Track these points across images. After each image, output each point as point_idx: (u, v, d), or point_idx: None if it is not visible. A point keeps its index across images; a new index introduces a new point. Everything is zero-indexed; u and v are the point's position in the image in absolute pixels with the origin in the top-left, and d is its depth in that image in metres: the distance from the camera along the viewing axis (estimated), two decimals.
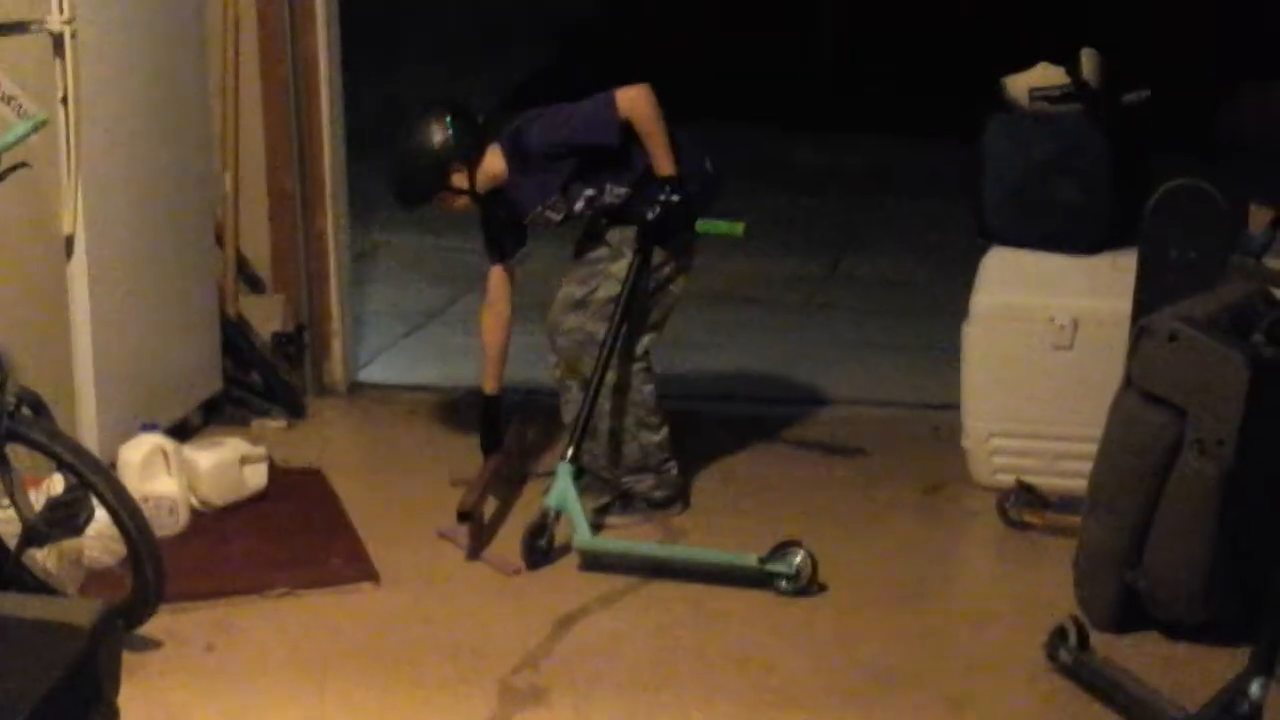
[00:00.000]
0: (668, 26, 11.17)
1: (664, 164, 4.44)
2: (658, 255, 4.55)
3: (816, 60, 11.43)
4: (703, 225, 4.49)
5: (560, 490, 4.37)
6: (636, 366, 4.62)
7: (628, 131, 4.44)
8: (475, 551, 4.41)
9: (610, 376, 4.54)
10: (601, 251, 4.59)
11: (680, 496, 4.74)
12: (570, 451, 4.41)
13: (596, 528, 4.47)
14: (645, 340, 4.63)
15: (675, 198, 4.43)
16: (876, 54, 11.12)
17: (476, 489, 4.54)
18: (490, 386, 4.77)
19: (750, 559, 4.19)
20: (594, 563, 4.32)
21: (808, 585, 4.16)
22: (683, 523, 4.68)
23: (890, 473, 5.06)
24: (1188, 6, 9.93)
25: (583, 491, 4.44)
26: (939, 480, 4.96)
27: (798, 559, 4.16)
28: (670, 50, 8.95)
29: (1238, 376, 3.69)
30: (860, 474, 5.07)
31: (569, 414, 4.61)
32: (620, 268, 4.53)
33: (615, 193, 4.52)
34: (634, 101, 4.41)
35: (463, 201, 4.60)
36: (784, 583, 4.17)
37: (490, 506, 4.63)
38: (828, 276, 7.63)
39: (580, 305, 4.58)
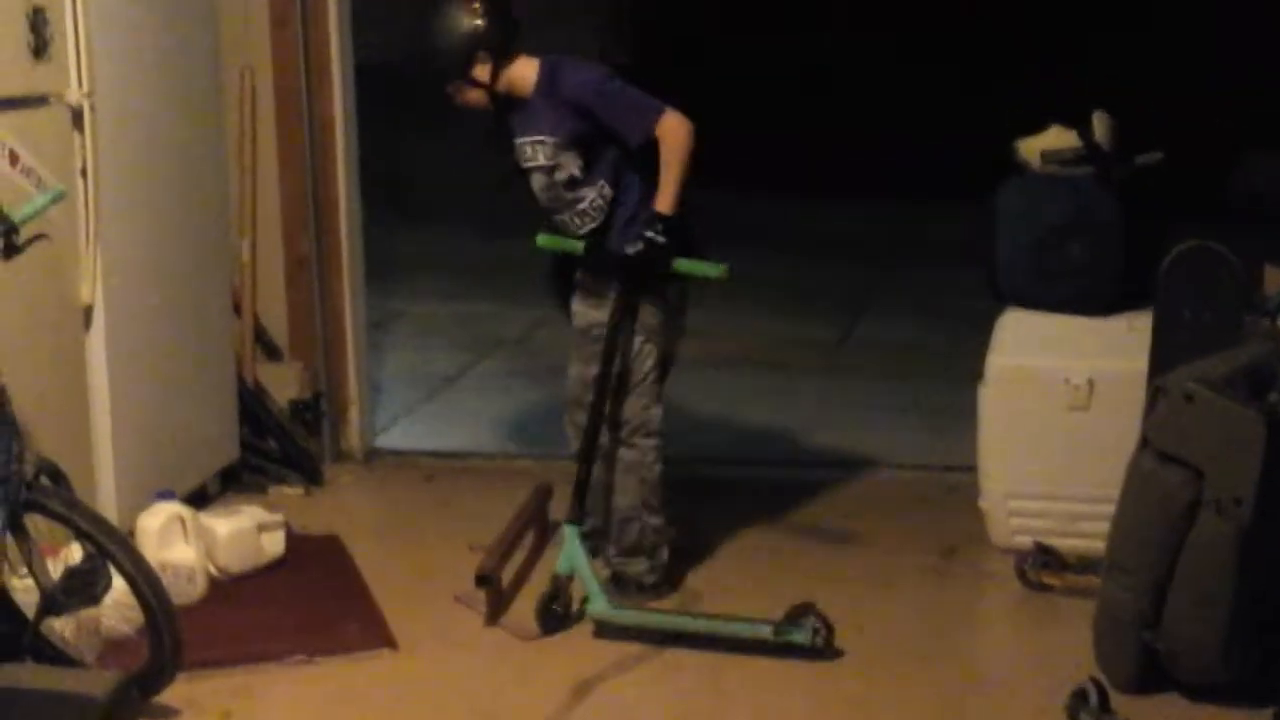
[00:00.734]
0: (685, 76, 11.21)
1: (667, 200, 4.30)
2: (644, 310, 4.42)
3: (827, 122, 11.47)
4: (682, 265, 4.32)
5: (568, 554, 4.34)
6: (649, 444, 4.52)
7: (647, 151, 4.34)
8: (493, 617, 4.39)
9: (626, 454, 4.49)
10: (601, 318, 4.46)
11: (669, 581, 4.62)
12: (573, 512, 4.35)
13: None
14: (655, 413, 4.53)
15: (662, 239, 4.28)
16: (889, 116, 11.15)
17: (495, 553, 4.53)
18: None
19: (765, 629, 4.15)
20: (609, 630, 4.31)
21: (824, 648, 4.15)
22: (699, 585, 4.66)
23: (908, 535, 5.05)
24: (1200, 72, 9.98)
25: (594, 554, 4.42)
26: (957, 542, 4.95)
27: (810, 624, 4.14)
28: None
29: (1254, 436, 3.68)
30: (878, 537, 5.06)
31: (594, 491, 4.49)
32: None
33: (602, 193, 4.42)
34: (677, 129, 4.30)
35: (477, 95, 4.45)
36: (799, 645, 4.14)
37: (510, 570, 4.61)
38: (843, 340, 7.65)
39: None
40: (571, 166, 4.41)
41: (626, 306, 4.40)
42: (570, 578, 4.33)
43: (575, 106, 4.37)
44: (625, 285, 4.38)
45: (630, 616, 4.33)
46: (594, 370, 4.43)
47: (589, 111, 4.36)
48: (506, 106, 4.48)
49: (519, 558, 4.74)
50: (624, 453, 4.50)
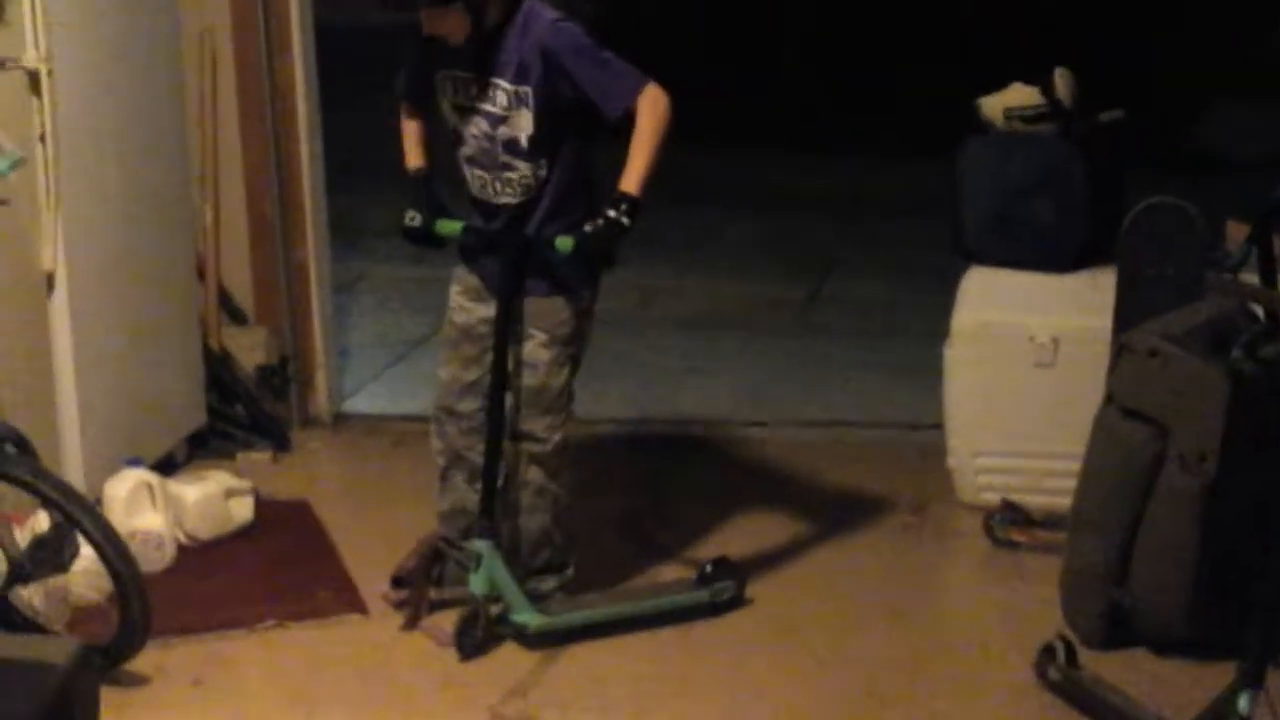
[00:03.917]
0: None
1: (635, 179, 3.85)
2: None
3: (791, 82, 11.45)
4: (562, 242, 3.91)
5: (488, 572, 3.97)
6: (558, 462, 4.15)
7: (622, 123, 3.91)
8: (412, 622, 4.13)
9: (534, 475, 4.12)
10: (489, 314, 4.05)
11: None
12: (487, 529, 3.99)
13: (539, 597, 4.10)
14: (569, 429, 4.15)
15: (627, 220, 3.84)
16: (853, 76, 11.15)
17: (417, 551, 4.28)
18: (415, 159, 4.19)
19: (702, 595, 4.16)
20: (546, 639, 4.02)
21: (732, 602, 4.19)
22: (666, 545, 4.68)
23: (876, 493, 5.07)
24: (1161, 28, 9.99)
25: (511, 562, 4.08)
26: (925, 500, 4.97)
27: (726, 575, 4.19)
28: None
29: (1218, 392, 3.71)
30: (846, 495, 5.08)
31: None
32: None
33: (537, 174, 3.98)
34: (656, 102, 3.86)
35: (454, 22, 3.89)
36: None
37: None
38: (812, 298, 7.65)
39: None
40: (524, 127, 3.95)
41: (513, 304, 4.01)
42: (490, 598, 4.00)
43: (549, 62, 3.90)
44: (522, 278, 3.99)
45: (568, 618, 4.07)
46: (471, 375, 4.13)
47: (562, 71, 3.89)
48: (477, 41, 3.93)
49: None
50: (533, 473, 4.13)
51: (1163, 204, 4.43)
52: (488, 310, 4.08)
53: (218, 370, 5.49)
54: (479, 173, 4.05)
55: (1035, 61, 4.91)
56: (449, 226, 4.08)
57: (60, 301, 4.58)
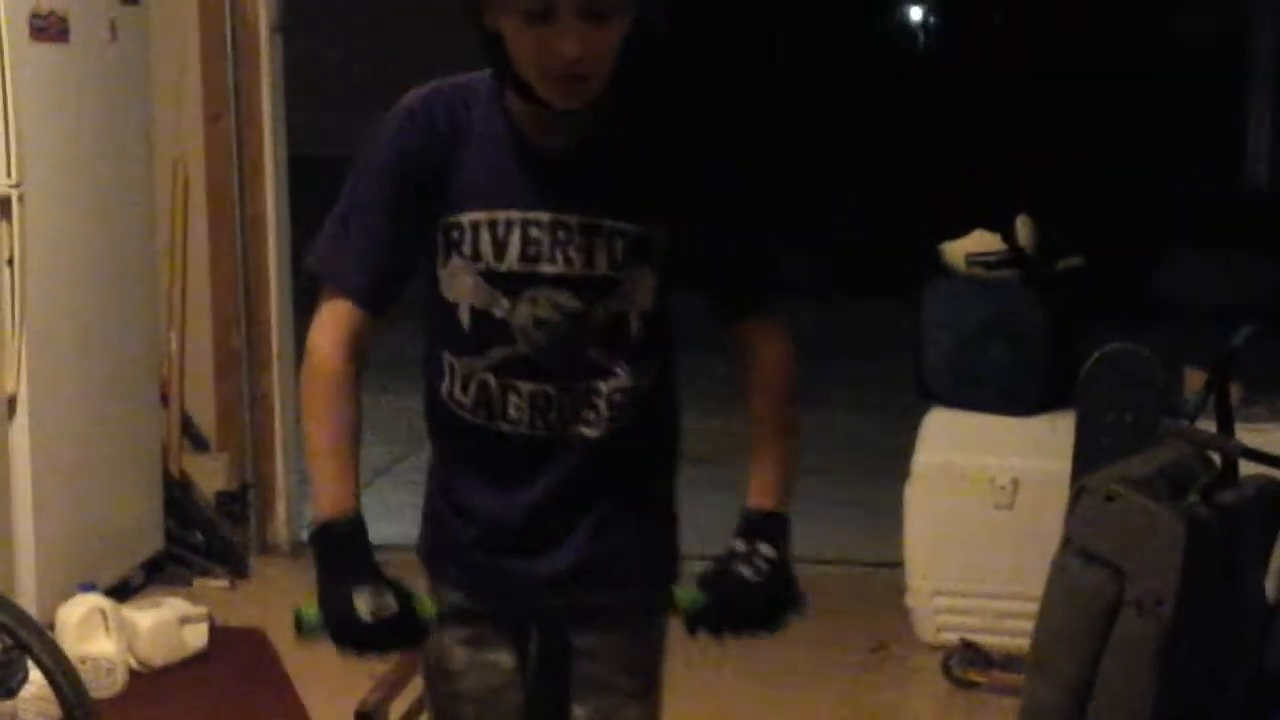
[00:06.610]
0: None
1: (784, 483, 2.60)
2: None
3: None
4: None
5: None
6: None
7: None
8: None
9: None
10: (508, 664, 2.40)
11: None
12: None
13: None
14: None
15: (781, 564, 2.51)
16: (818, 217, 11.30)
17: (382, 685, 3.54)
18: (341, 503, 2.39)
19: None
20: None
21: None
22: None
23: (835, 631, 5.05)
24: (1122, 178, 10.19)
25: None
26: (884, 638, 4.96)
27: None
28: None
29: (1174, 536, 3.72)
30: (805, 632, 4.98)
31: None
32: None
33: (638, 378, 2.31)
34: (787, 334, 2.52)
35: (600, 54, 2.09)
36: None
37: (403, 703, 3.57)
38: None
39: None
40: (639, 300, 2.25)
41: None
42: None
43: (695, 185, 2.23)
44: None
45: None
46: None
47: (707, 214, 2.24)
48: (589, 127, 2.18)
49: (413, 691, 4.52)
50: None
51: (1121, 351, 4.47)
52: (510, 657, 2.38)
53: (177, 496, 5.47)
54: (528, 389, 2.26)
55: (998, 209, 5.00)
56: (428, 606, 2.28)
57: (20, 424, 4.57)
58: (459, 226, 2.22)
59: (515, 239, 2.20)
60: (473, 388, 2.30)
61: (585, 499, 2.33)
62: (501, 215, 2.20)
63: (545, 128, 2.19)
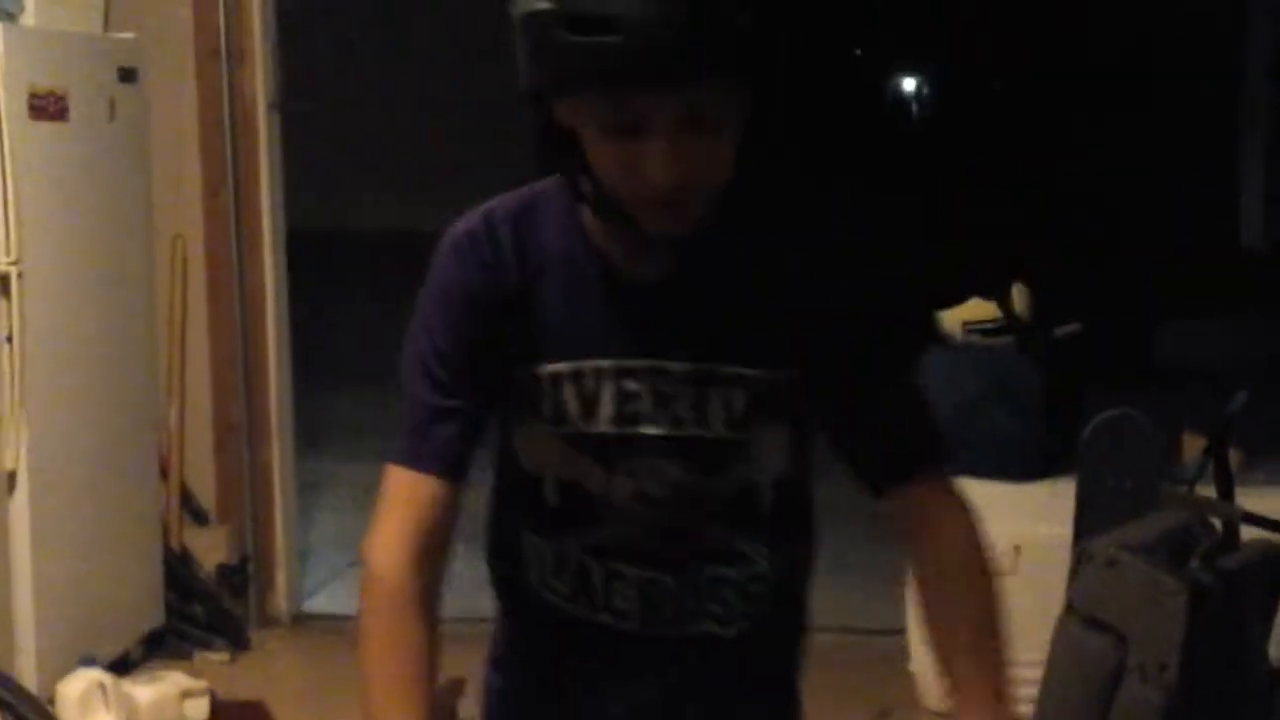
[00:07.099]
0: None
1: (998, 683, 2.01)
2: None
3: None
4: None
5: None
6: None
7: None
8: None
9: None
10: None
11: None
12: None
13: None
14: None
15: None
16: None
17: None
18: None
19: None
20: None
21: None
22: None
23: (840, 698, 5.02)
24: (1120, 246, 10.23)
25: None
26: (889, 705, 4.94)
27: None
28: None
29: (1177, 602, 3.72)
30: (810, 699, 5.00)
31: None
32: None
33: (775, 559, 2.04)
34: (972, 519, 2.13)
35: (720, 153, 1.66)
36: None
37: None
38: None
39: None
40: (769, 464, 1.91)
41: None
42: None
43: (840, 327, 1.81)
44: None
45: None
46: None
47: (856, 362, 1.85)
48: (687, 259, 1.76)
49: None
50: None
51: (1120, 417, 4.48)
52: None
53: (177, 569, 5.46)
54: (635, 575, 1.87)
55: (994, 277, 5.02)
56: None
57: (20, 500, 4.57)
58: (536, 381, 1.77)
59: (607, 395, 1.76)
60: (567, 574, 1.86)
61: (715, 711, 1.99)
62: (588, 365, 1.75)
63: (636, 252, 1.73)
